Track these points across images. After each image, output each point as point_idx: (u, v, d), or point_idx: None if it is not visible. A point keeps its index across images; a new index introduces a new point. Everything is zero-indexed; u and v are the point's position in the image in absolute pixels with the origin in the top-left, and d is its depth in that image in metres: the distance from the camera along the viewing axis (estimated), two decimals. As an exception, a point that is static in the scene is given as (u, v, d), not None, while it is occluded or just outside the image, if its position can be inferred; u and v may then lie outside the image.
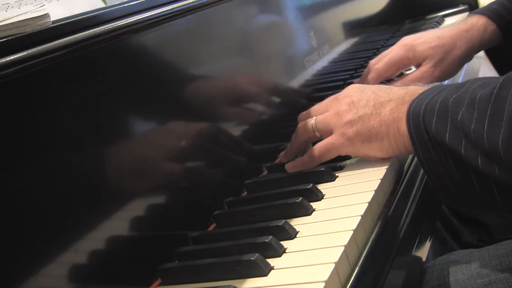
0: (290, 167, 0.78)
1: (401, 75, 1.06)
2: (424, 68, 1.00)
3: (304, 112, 0.82)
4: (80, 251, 0.55)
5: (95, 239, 0.57)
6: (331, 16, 1.23)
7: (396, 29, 1.58)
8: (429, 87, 0.66)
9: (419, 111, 0.62)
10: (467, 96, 0.58)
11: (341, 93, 0.75)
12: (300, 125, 0.79)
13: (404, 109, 0.66)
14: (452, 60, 1.00)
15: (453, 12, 1.64)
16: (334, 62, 1.14)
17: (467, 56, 1.02)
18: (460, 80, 1.13)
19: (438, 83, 0.69)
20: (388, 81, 1.05)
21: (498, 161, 0.54)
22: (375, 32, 1.46)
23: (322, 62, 1.09)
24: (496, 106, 0.55)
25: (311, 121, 0.77)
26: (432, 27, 1.44)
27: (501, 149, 0.53)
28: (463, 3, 1.66)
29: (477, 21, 1.01)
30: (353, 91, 0.74)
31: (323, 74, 1.08)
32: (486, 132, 0.54)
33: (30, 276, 0.50)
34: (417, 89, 0.68)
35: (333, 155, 0.74)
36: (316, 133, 0.76)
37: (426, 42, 1.01)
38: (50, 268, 0.52)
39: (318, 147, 0.74)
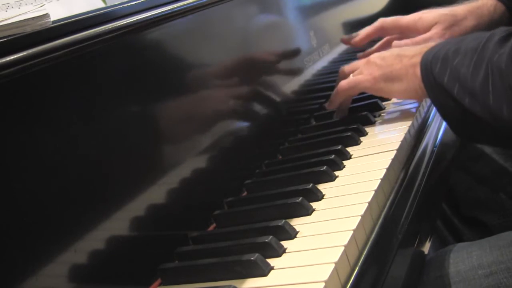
0: (327, 106, 0.95)
1: None
2: (435, 30, 1.02)
3: (346, 66, 0.95)
4: (80, 251, 0.55)
5: (95, 239, 0.57)
6: (331, 16, 1.23)
7: (396, 29, 1.58)
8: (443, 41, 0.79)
9: (429, 58, 0.75)
10: (463, 47, 0.70)
11: (373, 54, 0.90)
12: (343, 82, 0.92)
13: (420, 58, 0.78)
14: (463, 29, 1.02)
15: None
16: (334, 62, 1.14)
17: (477, 31, 1.02)
18: None
19: (451, 39, 0.79)
20: None
21: (477, 101, 0.65)
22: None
23: (322, 62, 1.09)
24: (479, 55, 0.66)
25: (351, 76, 0.90)
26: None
27: (478, 91, 0.64)
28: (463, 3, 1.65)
29: (487, 1, 1.04)
30: (383, 51, 0.90)
31: (323, 74, 1.08)
32: (470, 76, 0.66)
33: (30, 276, 0.50)
34: (433, 44, 0.79)
35: (357, 90, 0.89)
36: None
37: (436, 11, 1.04)
38: (50, 268, 0.52)
39: (347, 80, 0.89)
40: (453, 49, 0.71)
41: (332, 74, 1.12)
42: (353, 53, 1.25)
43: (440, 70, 0.71)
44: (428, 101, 0.92)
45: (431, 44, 0.81)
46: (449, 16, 1.03)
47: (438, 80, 0.71)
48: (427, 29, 1.04)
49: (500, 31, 0.66)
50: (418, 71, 0.78)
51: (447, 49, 0.72)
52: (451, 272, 0.70)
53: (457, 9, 1.04)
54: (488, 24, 1.03)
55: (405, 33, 1.08)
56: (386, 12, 1.57)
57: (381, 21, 1.10)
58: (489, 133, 0.68)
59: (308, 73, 1.03)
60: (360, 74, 0.89)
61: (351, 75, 0.91)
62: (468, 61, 0.67)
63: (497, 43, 0.64)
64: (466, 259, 0.70)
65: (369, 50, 1.12)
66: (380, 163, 0.72)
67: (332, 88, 1.06)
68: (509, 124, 0.62)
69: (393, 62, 0.84)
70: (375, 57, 0.88)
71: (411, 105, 0.92)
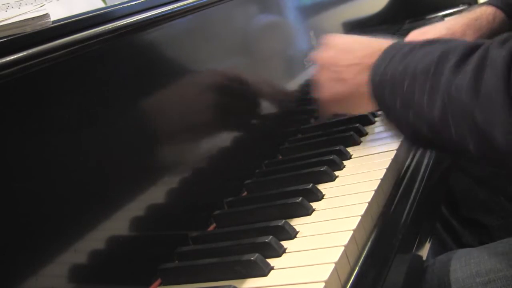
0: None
1: None
2: None
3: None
4: (80, 251, 0.55)
5: (95, 239, 0.57)
6: (331, 16, 1.23)
7: (396, 29, 1.58)
8: (386, 46, 0.69)
9: (376, 82, 0.67)
10: (411, 66, 0.62)
11: (320, 52, 0.80)
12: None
13: (365, 75, 0.69)
14: None
15: (453, 12, 1.63)
16: (334, 62, 1.14)
17: None
18: None
19: (395, 42, 0.71)
20: None
21: (437, 132, 0.58)
22: (375, 32, 1.46)
23: (322, 62, 1.09)
24: (433, 82, 0.58)
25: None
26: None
27: (437, 122, 0.57)
28: (463, 3, 1.65)
29: (486, 10, 1.01)
30: (330, 53, 0.78)
31: (323, 74, 1.08)
32: (425, 105, 0.58)
33: (30, 276, 0.50)
34: (377, 50, 0.70)
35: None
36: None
37: (435, 34, 1.00)
38: (50, 268, 0.52)
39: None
40: (401, 69, 0.63)
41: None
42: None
43: (390, 97, 0.64)
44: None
45: (374, 48, 0.71)
46: (449, 37, 0.98)
47: (389, 107, 0.65)
48: None
49: (454, 53, 0.58)
50: (365, 91, 0.69)
51: (394, 68, 0.64)
52: (450, 280, 0.70)
53: (454, 25, 1.01)
54: (488, 35, 1.00)
55: None
56: (386, 12, 1.57)
57: None
58: (449, 154, 0.68)
59: (308, 73, 1.03)
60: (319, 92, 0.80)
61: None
62: (419, 87, 0.59)
63: (452, 70, 0.56)
64: (464, 266, 0.70)
65: None
66: (380, 163, 0.72)
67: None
68: (478, 157, 0.57)
69: (337, 81, 0.75)
70: (321, 74, 0.78)
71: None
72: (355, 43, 0.76)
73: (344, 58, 0.74)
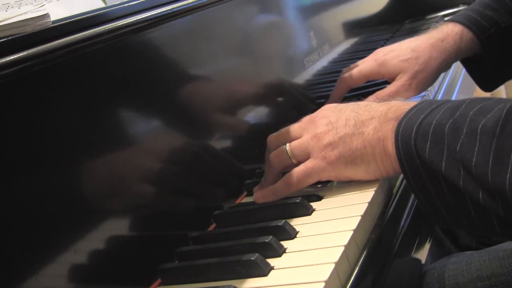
0: (259, 197, 0.70)
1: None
2: (400, 82, 0.92)
3: (274, 135, 0.74)
4: (80, 251, 0.55)
5: (95, 239, 0.57)
6: (331, 16, 1.23)
7: (396, 29, 1.58)
8: (415, 103, 0.61)
9: (410, 133, 0.57)
10: (465, 123, 0.54)
11: (316, 114, 0.70)
12: (272, 154, 0.71)
13: (389, 127, 0.62)
14: (429, 72, 0.93)
15: (453, 12, 1.63)
16: (334, 62, 1.14)
17: (444, 66, 0.95)
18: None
19: (425, 100, 0.64)
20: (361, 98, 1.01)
21: (502, 200, 0.50)
22: (375, 32, 1.46)
23: (322, 62, 1.09)
24: (501, 141, 0.50)
25: (286, 148, 0.70)
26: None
27: (508, 189, 0.49)
28: (463, 3, 1.65)
29: (452, 29, 0.96)
30: (330, 111, 0.68)
31: (323, 74, 1.08)
32: (491, 169, 0.50)
33: (30, 276, 0.50)
34: (401, 105, 0.63)
35: (313, 180, 0.68)
36: (293, 160, 0.69)
37: (398, 56, 0.94)
38: (50, 268, 0.52)
39: (296, 172, 0.67)
40: (450, 124, 0.54)
41: (332, 74, 1.12)
42: (353, 53, 1.25)
43: (433, 152, 0.55)
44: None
45: (396, 104, 0.64)
46: (413, 61, 0.93)
47: (430, 165, 0.55)
48: (392, 76, 0.94)
49: None
50: (389, 146, 0.61)
51: (437, 121, 0.56)
52: (451, 285, 0.69)
53: (419, 47, 0.94)
54: (455, 57, 0.96)
55: (373, 79, 1.01)
56: (386, 12, 1.58)
57: (342, 79, 0.99)
58: (500, 228, 0.53)
59: (308, 73, 1.03)
60: (308, 155, 0.68)
61: (287, 146, 0.70)
62: (483, 148, 0.51)
63: None
64: (465, 271, 0.70)
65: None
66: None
67: (331, 88, 1.06)
68: None
69: (351, 137, 0.64)
70: (324, 131, 0.66)
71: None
72: (368, 103, 0.68)
73: (361, 112, 0.65)
